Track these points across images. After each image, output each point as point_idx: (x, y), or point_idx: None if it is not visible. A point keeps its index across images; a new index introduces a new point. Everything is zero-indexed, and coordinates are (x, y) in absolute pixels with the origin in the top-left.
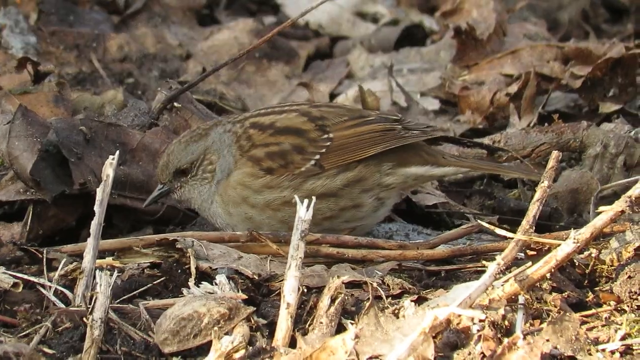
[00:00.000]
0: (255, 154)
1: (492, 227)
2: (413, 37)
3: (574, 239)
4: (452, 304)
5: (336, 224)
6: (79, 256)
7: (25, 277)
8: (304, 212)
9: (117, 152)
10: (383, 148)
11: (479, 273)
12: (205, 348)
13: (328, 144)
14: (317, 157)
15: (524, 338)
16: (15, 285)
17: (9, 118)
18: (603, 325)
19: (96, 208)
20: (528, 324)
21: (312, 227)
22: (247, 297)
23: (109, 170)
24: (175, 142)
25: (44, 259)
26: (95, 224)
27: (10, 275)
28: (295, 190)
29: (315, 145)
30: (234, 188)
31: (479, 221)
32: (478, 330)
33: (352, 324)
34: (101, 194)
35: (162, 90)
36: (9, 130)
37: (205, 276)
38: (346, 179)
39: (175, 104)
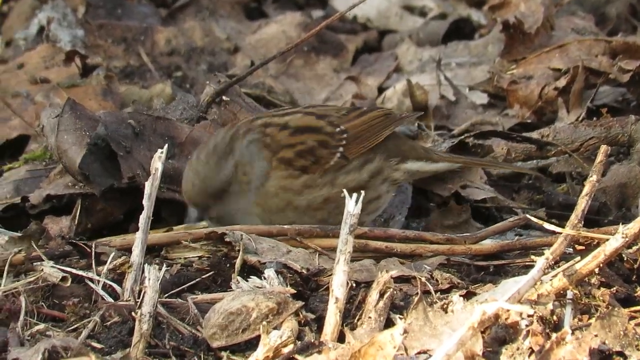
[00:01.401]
0: (285, 155)
1: (540, 222)
2: (461, 30)
3: (623, 233)
4: (501, 298)
5: (363, 216)
6: (127, 250)
7: (74, 271)
8: (352, 206)
9: (166, 145)
10: (392, 129)
11: (528, 268)
12: (254, 342)
13: (345, 135)
14: (341, 149)
15: (572, 333)
16: (63, 279)
17: (58, 112)
18: None
19: (145, 202)
20: (576, 319)
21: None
22: (295, 291)
23: (157, 163)
24: (200, 162)
25: (93, 253)
26: (143, 218)
27: (58, 269)
28: (332, 187)
29: (335, 139)
30: (275, 195)
31: (526, 215)
32: (526, 325)
33: (400, 318)
34: (150, 188)
35: (210, 84)
36: (57, 123)
37: (254, 270)
38: (370, 171)
39: (224, 97)
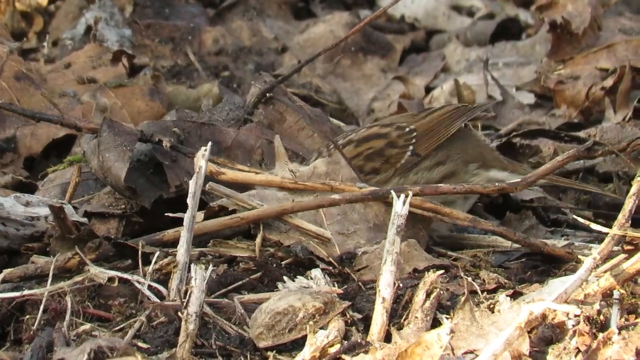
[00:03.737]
0: (355, 164)
1: (587, 222)
2: (508, 31)
3: None
4: (548, 298)
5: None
6: (174, 246)
7: (119, 274)
8: (400, 207)
9: (209, 143)
10: (463, 121)
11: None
12: (300, 342)
13: (414, 134)
14: (411, 147)
15: (619, 333)
16: (110, 280)
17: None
18: None
19: (189, 200)
20: (623, 319)
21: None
22: (342, 291)
23: (201, 161)
24: None
25: (139, 253)
26: (188, 217)
27: (104, 271)
28: (402, 180)
29: (404, 138)
30: None
31: (573, 216)
32: (573, 325)
33: (447, 318)
34: (194, 186)
35: (256, 84)
36: (97, 144)
37: (301, 270)
38: (442, 172)
39: (270, 95)
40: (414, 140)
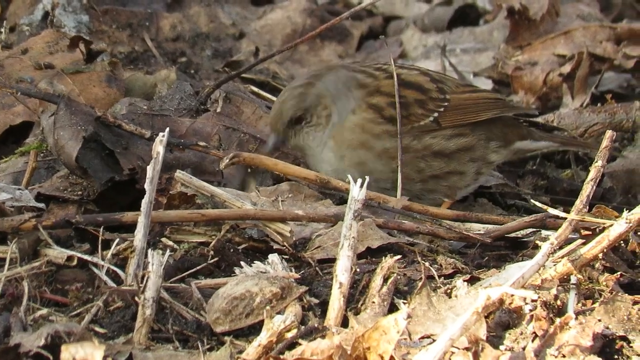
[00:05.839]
0: (378, 102)
1: (544, 207)
2: (466, 17)
3: (627, 219)
4: (505, 283)
5: (439, 186)
6: (133, 230)
7: (78, 254)
8: (357, 192)
9: (167, 129)
10: (494, 114)
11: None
12: (257, 327)
13: (446, 104)
14: (436, 114)
15: (576, 318)
16: (69, 259)
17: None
18: None
19: (147, 186)
20: (580, 304)
21: (418, 184)
22: (299, 276)
23: (159, 147)
24: (287, 90)
25: (99, 238)
26: (145, 202)
27: (63, 250)
28: (415, 141)
29: (435, 104)
30: (351, 130)
31: (532, 200)
32: (530, 310)
33: (404, 303)
34: (151, 172)
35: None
36: (54, 122)
37: (258, 255)
38: (459, 144)
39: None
40: (441, 109)
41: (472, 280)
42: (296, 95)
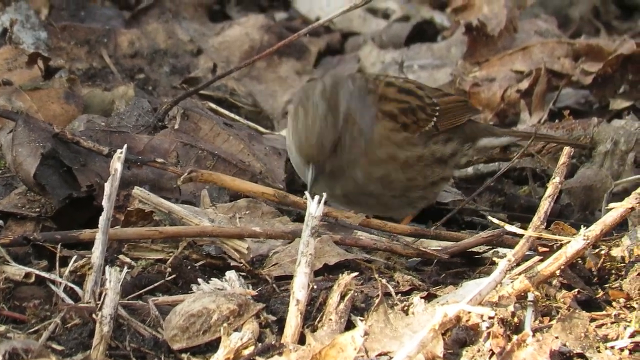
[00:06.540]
0: (390, 109)
1: (502, 224)
2: (424, 33)
3: (584, 235)
4: (462, 300)
5: (431, 193)
6: (90, 247)
7: (36, 271)
8: (314, 209)
9: (125, 146)
10: (470, 116)
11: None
12: (215, 344)
13: (437, 108)
14: (435, 119)
15: (533, 335)
16: (27, 276)
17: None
18: (612, 323)
19: (104, 203)
20: (537, 321)
21: (420, 192)
22: (256, 293)
23: (117, 164)
24: (310, 116)
25: (57, 255)
26: (103, 219)
27: (21, 267)
28: (425, 148)
29: (431, 108)
30: (379, 144)
31: (503, 229)
32: (487, 327)
33: (361, 320)
34: (109, 189)
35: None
36: (12, 138)
37: (215, 272)
38: (451, 149)
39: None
40: (437, 114)
41: (429, 297)
42: (327, 119)
